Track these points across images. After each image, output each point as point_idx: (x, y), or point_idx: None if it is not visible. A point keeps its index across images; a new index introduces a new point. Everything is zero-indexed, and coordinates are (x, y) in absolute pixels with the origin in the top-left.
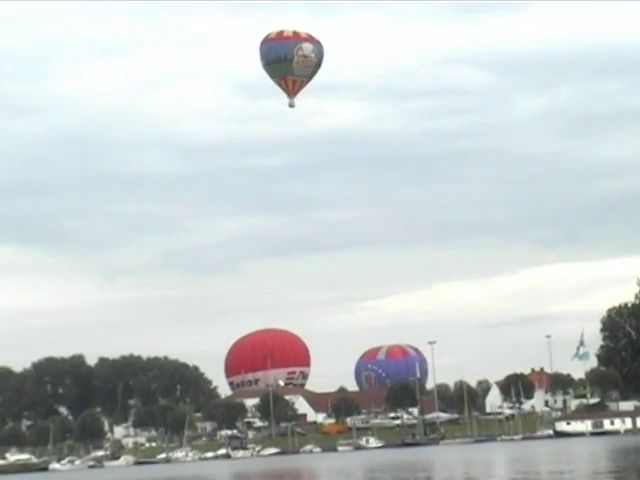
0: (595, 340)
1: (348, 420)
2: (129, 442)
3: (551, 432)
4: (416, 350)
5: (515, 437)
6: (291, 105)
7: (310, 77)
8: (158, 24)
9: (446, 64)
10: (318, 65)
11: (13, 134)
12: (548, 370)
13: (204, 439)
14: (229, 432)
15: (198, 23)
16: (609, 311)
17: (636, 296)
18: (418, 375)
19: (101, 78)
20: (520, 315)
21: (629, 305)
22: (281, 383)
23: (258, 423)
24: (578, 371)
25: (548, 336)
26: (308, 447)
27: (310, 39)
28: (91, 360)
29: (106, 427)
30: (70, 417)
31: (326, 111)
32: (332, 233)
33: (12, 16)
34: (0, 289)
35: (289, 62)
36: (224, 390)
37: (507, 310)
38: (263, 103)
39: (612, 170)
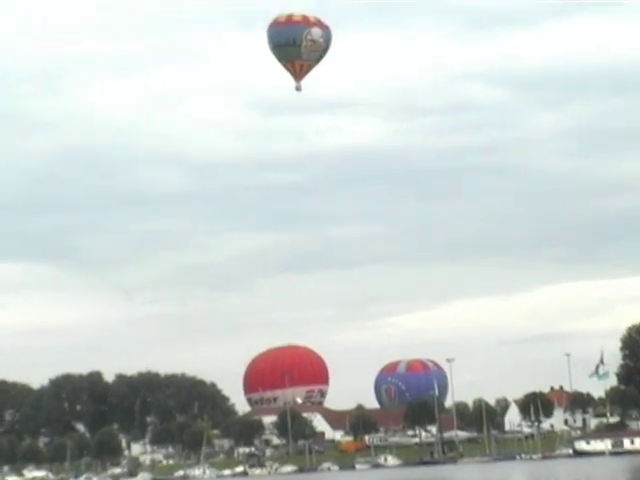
0: (615, 359)
1: (366, 438)
2: (146, 459)
3: (570, 451)
4: (436, 365)
5: (534, 456)
6: (298, 89)
7: (317, 61)
8: (172, 41)
9: (461, 81)
10: (326, 50)
11: (27, 150)
12: (567, 389)
13: (221, 456)
14: (247, 449)
15: (212, 40)
16: (629, 329)
17: None
18: (437, 393)
19: (115, 95)
20: (539, 333)
21: None
22: (299, 401)
23: (276, 441)
24: (598, 390)
25: (568, 354)
26: (326, 465)
27: (319, 24)
28: (108, 377)
29: (123, 444)
30: (87, 434)
31: (341, 128)
32: (347, 249)
33: (27, 32)
34: (16, 307)
35: (297, 47)
36: (242, 407)
37: (526, 327)
38: (277, 120)
39: (629, 187)
